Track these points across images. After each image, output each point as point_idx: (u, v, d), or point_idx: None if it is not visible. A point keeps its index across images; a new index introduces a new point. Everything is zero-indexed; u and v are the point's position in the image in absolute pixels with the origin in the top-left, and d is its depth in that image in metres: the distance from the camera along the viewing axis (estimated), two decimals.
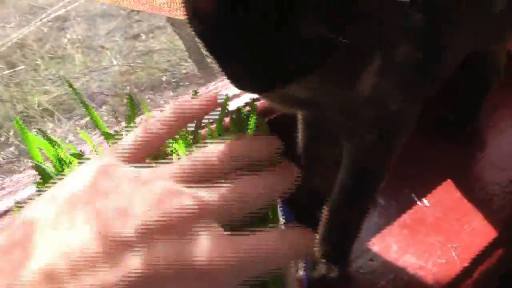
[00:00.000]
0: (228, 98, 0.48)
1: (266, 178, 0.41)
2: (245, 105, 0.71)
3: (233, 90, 0.68)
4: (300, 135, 0.69)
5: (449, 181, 0.79)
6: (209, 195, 0.37)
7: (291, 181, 0.43)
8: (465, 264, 0.69)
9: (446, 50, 0.59)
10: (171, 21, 3.07)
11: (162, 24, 3.10)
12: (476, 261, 0.70)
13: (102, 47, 3.05)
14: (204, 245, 0.34)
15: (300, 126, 0.69)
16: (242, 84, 0.44)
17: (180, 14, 0.60)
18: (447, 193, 0.78)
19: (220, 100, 0.47)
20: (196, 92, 0.52)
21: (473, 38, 0.65)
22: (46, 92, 2.85)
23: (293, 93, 0.52)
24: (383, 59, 0.52)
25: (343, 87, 0.53)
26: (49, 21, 2.89)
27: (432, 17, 0.54)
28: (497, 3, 0.63)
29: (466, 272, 0.69)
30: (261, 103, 0.62)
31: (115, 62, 3.04)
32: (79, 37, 3.02)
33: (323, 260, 0.66)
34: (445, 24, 0.57)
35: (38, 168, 0.46)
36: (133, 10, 3.18)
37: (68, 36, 2.96)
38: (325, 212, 0.66)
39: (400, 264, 0.69)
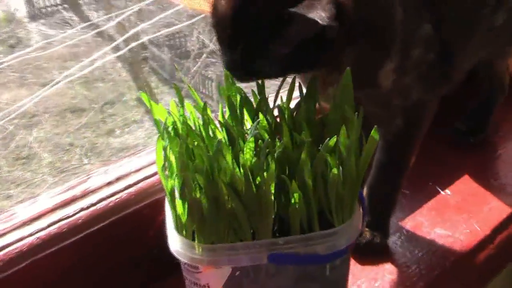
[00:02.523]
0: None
1: None
2: None
3: None
4: None
5: (466, 176, 1.16)
6: None
7: None
8: (487, 232, 1.04)
9: (456, 55, 0.99)
10: (151, 114, 3.51)
11: (139, 118, 3.53)
12: (496, 230, 1.04)
13: (72, 145, 3.42)
14: None
15: None
16: (229, 69, 0.84)
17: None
18: (465, 185, 1.14)
19: None
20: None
21: (480, 49, 1.05)
22: (9, 197, 3.15)
23: None
24: (399, 60, 0.90)
25: (368, 85, 0.91)
26: (14, 118, 3.28)
27: (441, 28, 0.94)
28: (498, 16, 1.03)
29: (488, 239, 1.03)
30: None
31: (85, 162, 3.40)
32: (47, 134, 3.41)
33: (367, 229, 1.00)
34: (452, 34, 0.98)
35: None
36: (106, 103, 3.62)
37: (35, 134, 3.33)
38: (365, 190, 1.01)
39: (432, 235, 1.04)
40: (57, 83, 3.17)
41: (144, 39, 3.24)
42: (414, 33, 0.91)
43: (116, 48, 3.31)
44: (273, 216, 0.76)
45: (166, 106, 0.87)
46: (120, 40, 3.07)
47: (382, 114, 0.96)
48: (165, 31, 3.25)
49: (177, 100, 0.84)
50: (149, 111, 3.58)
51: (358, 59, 0.86)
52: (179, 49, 4.19)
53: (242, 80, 0.85)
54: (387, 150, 0.99)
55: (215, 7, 0.85)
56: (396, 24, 0.89)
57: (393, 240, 1.02)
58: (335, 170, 0.73)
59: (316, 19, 0.75)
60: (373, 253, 0.99)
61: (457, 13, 0.98)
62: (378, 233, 1.00)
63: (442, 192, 1.13)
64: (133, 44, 3.06)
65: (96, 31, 3.33)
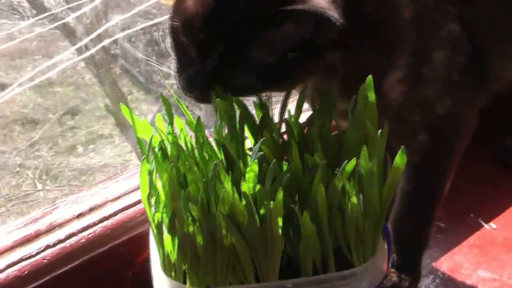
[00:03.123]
0: None
1: None
2: None
3: None
4: None
5: None
6: None
7: None
8: None
9: (493, 60, 1.04)
10: (121, 127, 3.54)
11: (107, 132, 3.56)
12: None
13: (22, 166, 3.45)
14: None
15: None
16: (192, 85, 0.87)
17: None
18: None
19: None
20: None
21: None
22: None
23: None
24: (410, 68, 0.93)
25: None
26: None
27: (472, 28, 0.99)
28: None
29: None
30: None
31: (40, 187, 3.43)
32: None
33: (393, 270, 1.05)
34: (487, 35, 1.03)
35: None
36: (66, 113, 3.66)
37: None
38: (390, 223, 1.06)
39: (474, 278, 1.09)
40: (8, 89, 3.21)
41: (118, 36, 3.29)
42: (434, 33, 0.95)
43: (80, 46, 3.35)
44: (280, 254, 0.81)
45: (142, 116, 0.92)
46: (87, 39, 3.11)
47: (397, 129, 0.98)
48: (142, 25, 3.29)
49: (164, 113, 0.89)
50: (119, 124, 3.61)
51: (355, 65, 0.91)
52: (157, 45, 4.18)
53: (207, 99, 0.88)
54: (413, 175, 1.02)
55: (179, 3, 0.88)
56: (400, 24, 0.92)
57: (426, 284, 1.08)
58: (354, 199, 0.78)
59: (330, 17, 0.80)
60: None
61: (494, 11, 1.02)
62: (406, 275, 1.05)
63: (485, 226, 1.18)
64: (104, 42, 3.10)
65: (54, 24, 3.38)
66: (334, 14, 0.80)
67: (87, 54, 3.05)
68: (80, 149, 3.61)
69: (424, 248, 1.06)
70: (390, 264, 1.02)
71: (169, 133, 0.87)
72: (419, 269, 1.06)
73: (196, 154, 0.86)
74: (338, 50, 0.89)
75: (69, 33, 3.49)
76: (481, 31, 1.00)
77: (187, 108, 0.93)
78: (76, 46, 3.11)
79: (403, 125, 0.99)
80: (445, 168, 1.04)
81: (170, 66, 0.93)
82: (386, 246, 0.88)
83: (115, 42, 3.83)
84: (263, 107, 0.91)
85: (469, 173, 1.11)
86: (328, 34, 0.84)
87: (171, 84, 0.98)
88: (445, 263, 1.11)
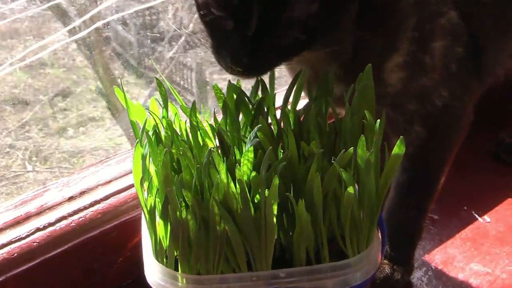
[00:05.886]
0: None
1: None
2: None
3: None
4: None
5: (510, 199, 1.21)
6: None
7: None
8: None
9: (485, 52, 1.04)
10: (113, 110, 3.52)
11: (98, 115, 3.54)
12: None
13: (12, 146, 3.44)
14: None
15: None
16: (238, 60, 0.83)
17: None
18: (508, 210, 1.19)
19: None
20: None
21: None
22: None
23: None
24: (410, 54, 0.93)
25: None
26: None
27: (468, 15, 0.98)
28: None
29: None
30: None
31: (29, 168, 3.42)
32: None
33: (386, 261, 1.05)
34: (484, 26, 1.02)
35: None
36: (57, 95, 3.64)
37: None
38: (383, 215, 1.06)
39: (466, 272, 1.08)
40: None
41: (110, 18, 3.25)
42: (435, 20, 0.95)
43: (72, 28, 3.33)
44: (273, 243, 0.80)
45: (133, 100, 0.91)
46: (80, 20, 3.08)
47: (393, 118, 0.99)
48: (136, 8, 3.26)
49: (158, 97, 0.88)
50: (110, 107, 3.59)
51: (361, 47, 0.91)
52: (150, 28, 4.18)
53: (254, 71, 0.86)
54: (408, 167, 1.02)
55: None
56: (403, 8, 0.92)
57: (418, 277, 1.07)
58: (350, 189, 0.77)
59: None
60: None
61: (489, 5, 1.02)
62: (399, 267, 1.05)
63: (479, 219, 1.18)
64: (97, 24, 3.06)
65: (47, 5, 3.35)
66: None
67: (79, 35, 3.01)
68: (70, 131, 3.58)
69: (417, 240, 1.06)
70: (383, 255, 1.02)
71: (163, 117, 0.86)
72: (412, 261, 1.06)
73: (191, 139, 0.84)
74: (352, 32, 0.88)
75: (61, 14, 3.46)
76: (476, 24, 1.00)
77: (175, 89, 0.92)
78: (68, 28, 3.07)
79: (399, 115, 0.99)
80: (440, 162, 1.04)
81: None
82: (380, 237, 0.87)
83: (107, 24, 3.80)
84: (258, 92, 0.90)
85: (463, 166, 1.11)
86: None
87: (163, 69, 0.97)
88: (438, 256, 1.10)
